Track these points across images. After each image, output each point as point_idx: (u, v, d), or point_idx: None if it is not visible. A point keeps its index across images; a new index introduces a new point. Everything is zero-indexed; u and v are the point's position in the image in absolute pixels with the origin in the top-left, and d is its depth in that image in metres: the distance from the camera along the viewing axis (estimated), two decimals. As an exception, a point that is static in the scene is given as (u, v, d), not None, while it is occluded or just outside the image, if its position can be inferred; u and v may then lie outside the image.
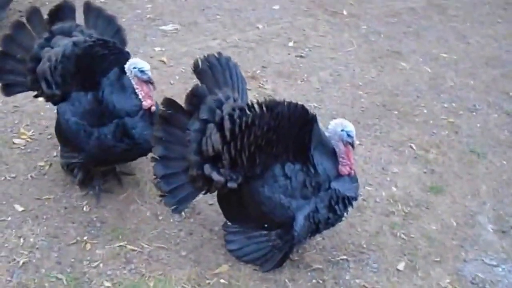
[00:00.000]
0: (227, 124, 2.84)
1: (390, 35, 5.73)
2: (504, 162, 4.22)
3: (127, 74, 3.19)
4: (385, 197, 3.76)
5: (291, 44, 5.35)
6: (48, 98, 3.39)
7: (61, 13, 3.45)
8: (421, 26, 6.02)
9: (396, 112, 4.56)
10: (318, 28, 5.69)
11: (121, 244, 3.24)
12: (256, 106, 2.93)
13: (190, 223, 3.41)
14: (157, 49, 5.15)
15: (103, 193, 3.53)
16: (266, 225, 3.02)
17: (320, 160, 2.89)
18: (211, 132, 2.86)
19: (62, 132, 3.35)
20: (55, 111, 3.42)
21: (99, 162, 3.41)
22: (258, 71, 4.88)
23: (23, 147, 3.88)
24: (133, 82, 3.19)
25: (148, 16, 5.73)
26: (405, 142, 4.25)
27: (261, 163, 2.86)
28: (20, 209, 3.43)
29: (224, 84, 3.06)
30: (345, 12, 6.08)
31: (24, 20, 3.45)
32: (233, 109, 2.89)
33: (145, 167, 3.67)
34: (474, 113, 4.71)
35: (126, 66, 3.18)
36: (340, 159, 2.91)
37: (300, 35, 5.52)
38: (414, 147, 4.21)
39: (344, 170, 2.91)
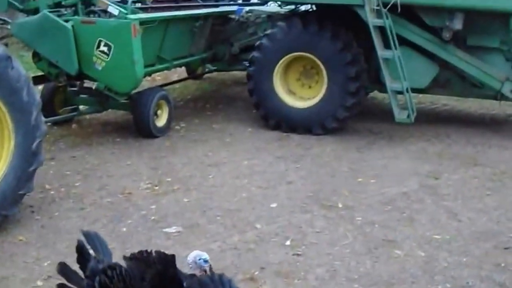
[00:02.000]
0: None
1: (384, 224, 6.00)
2: None
3: (191, 265, 3.51)
4: None
5: (288, 242, 5.61)
6: None
7: (82, 253, 3.70)
8: (414, 210, 6.31)
9: (392, 302, 4.72)
10: (315, 224, 5.99)
11: None
12: None
13: None
14: (161, 253, 5.44)
15: None
16: None
17: None
18: None
19: None
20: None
21: None
22: (257, 273, 5.09)
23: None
24: (194, 271, 3.49)
25: (152, 217, 6.11)
26: (401, 332, 4.38)
27: None
28: None
29: None
30: (340, 205, 6.42)
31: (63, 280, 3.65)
32: None
33: None
34: (468, 291, 4.85)
35: (191, 259, 3.51)
36: None
37: (297, 233, 5.80)
38: (410, 337, 4.33)
39: None
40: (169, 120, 9.09)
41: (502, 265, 5.22)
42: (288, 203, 6.49)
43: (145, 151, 8.21)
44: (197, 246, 5.49)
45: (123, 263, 3.50)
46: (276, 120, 9.16)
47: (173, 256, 3.47)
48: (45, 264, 5.19)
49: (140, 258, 3.51)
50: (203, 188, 6.89)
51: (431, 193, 6.75)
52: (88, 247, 3.78)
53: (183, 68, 11.81)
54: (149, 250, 3.51)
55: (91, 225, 5.92)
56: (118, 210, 6.32)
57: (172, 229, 5.88)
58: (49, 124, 8.80)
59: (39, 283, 4.90)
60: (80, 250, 3.71)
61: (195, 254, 3.55)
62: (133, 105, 8.73)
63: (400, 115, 8.60)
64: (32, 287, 4.84)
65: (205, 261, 3.51)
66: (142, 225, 5.96)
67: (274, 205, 6.43)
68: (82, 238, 3.85)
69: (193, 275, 3.48)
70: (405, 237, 5.73)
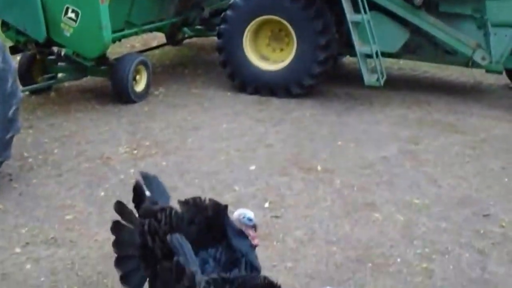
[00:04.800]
0: None
1: (363, 187, 5.98)
2: (478, 301, 4.27)
3: (235, 222, 3.62)
4: None
5: (267, 204, 5.58)
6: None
7: (138, 193, 3.87)
8: (394, 174, 6.29)
9: (370, 265, 4.68)
10: (293, 187, 5.96)
11: None
12: None
13: None
14: (138, 216, 5.38)
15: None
16: None
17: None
18: None
19: None
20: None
21: None
22: (235, 235, 5.05)
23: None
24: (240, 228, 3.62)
25: (131, 181, 5.97)
26: (380, 294, 4.36)
27: None
28: None
29: None
30: (319, 168, 6.39)
31: (119, 218, 3.80)
32: None
33: None
34: (447, 256, 4.83)
35: (235, 216, 3.61)
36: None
37: (275, 195, 5.77)
38: (389, 298, 4.31)
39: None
40: (147, 85, 8.98)
41: (481, 231, 5.22)
42: (267, 165, 6.44)
43: (123, 117, 8.11)
44: (175, 210, 5.45)
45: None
46: (253, 86, 9.10)
47: (226, 206, 3.69)
48: (23, 231, 5.13)
49: (194, 203, 3.70)
50: (181, 152, 6.83)
51: (411, 158, 6.74)
52: (145, 188, 3.90)
53: (162, 34, 11.65)
54: (203, 198, 3.72)
55: (69, 191, 5.86)
56: (97, 175, 6.24)
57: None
58: (27, 93, 8.68)
59: (18, 250, 4.84)
60: (137, 190, 3.88)
61: (239, 212, 3.64)
62: (112, 71, 8.60)
63: (369, 79, 8.59)
64: (11, 254, 4.77)
65: (249, 219, 3.60)
66: (121, 189, 5.88)
67: (252, 167, 6.38)
68: (140, 179, 3.94)
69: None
70: (384, 200, 5.72)
